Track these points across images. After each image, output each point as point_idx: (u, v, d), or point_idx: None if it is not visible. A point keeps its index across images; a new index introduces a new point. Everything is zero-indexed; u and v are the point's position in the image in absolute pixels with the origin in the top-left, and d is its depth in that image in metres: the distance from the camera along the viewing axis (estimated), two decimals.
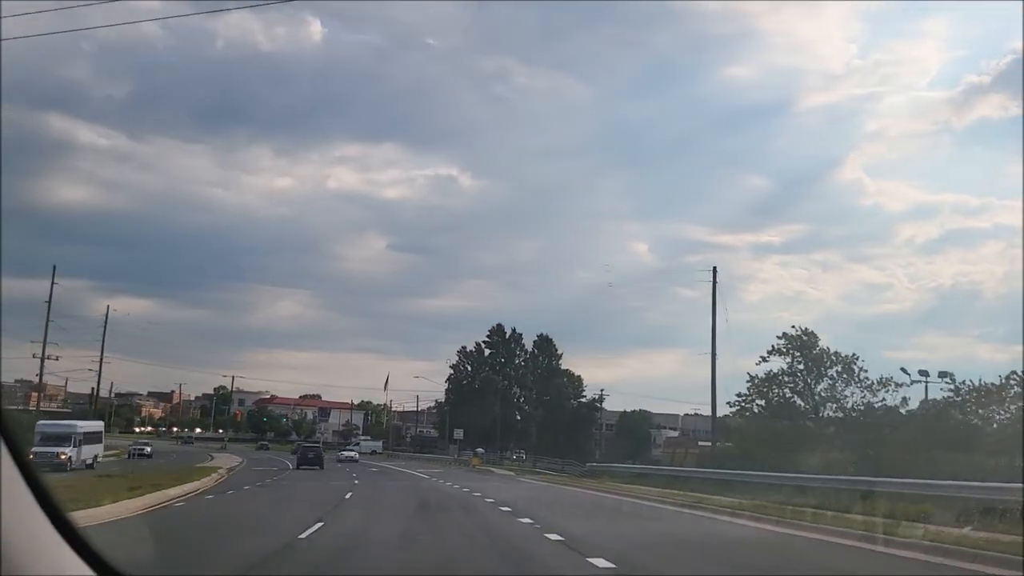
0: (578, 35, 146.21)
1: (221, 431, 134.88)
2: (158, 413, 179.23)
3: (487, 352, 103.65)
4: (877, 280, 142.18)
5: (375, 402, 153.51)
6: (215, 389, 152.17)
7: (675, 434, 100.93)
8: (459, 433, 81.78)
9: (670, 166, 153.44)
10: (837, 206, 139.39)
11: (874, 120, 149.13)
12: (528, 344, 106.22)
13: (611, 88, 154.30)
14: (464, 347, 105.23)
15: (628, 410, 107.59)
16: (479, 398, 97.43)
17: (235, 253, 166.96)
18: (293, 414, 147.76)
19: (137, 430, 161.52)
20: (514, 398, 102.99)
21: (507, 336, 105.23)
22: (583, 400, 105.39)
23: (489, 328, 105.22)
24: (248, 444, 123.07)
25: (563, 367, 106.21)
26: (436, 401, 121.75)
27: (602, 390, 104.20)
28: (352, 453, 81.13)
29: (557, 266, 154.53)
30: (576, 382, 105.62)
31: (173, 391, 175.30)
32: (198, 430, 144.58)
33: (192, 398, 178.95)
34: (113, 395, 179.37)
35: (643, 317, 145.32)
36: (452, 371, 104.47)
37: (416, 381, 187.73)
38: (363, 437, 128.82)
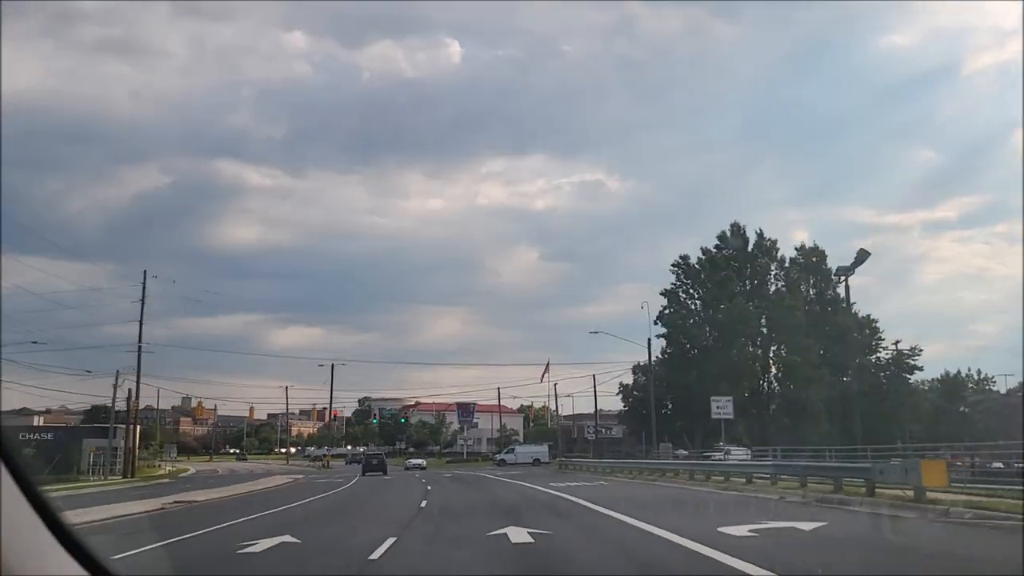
0: (720, 25, 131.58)
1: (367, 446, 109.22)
2: (309, 431, 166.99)
3: (722, 273, 54.32)
4: None
5: (536, 405, 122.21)
6: (359, 402, 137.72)
7: None
8: (724, 405, 34.01)
9: (829, 147, 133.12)
10: (1020, 172, 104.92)
11: None
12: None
13: (762, 73, 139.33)
14: (685, 258, 56.62)
15: (950, 372, 56.19)
16: (717, 351, 49.31)
17: (394, 277, 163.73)
18: (435, 420, 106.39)
19: (281, 450, 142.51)
20: (771, 349, 53.93)
21: (750, 245, 56.27)
22: (883, 355, 55.05)
23: (717, 235, 56.35)
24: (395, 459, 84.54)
25: (844, 301, 56.07)
26: (621, 384, 75.25)
27: (896, 342, 54.10)
28: (420, 461, 69.89)
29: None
30: (868, 325, 55.72)
31: (324, 408, 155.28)
32: (349, 447, 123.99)
33: (347, 415, 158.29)
34: (267, 416, 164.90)
35: None
36: (666, 302, 56.31)
37: (569, 377, 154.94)
38: (520, 444, 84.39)
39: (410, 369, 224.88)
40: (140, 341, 65.19)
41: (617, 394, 78.98)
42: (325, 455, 77.43)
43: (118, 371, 58.54)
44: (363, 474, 50.46)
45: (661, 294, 56.52)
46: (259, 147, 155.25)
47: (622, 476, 35.89)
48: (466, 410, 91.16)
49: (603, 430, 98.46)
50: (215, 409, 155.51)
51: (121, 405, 62.31)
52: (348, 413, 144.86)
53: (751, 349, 51.71)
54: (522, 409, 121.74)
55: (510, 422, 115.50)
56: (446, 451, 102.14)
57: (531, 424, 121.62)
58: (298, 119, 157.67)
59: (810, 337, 51.83)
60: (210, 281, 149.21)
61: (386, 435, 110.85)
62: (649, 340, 54.24)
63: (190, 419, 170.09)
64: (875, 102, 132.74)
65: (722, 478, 24.78)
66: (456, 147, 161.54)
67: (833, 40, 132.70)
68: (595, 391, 74.42)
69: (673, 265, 56.77)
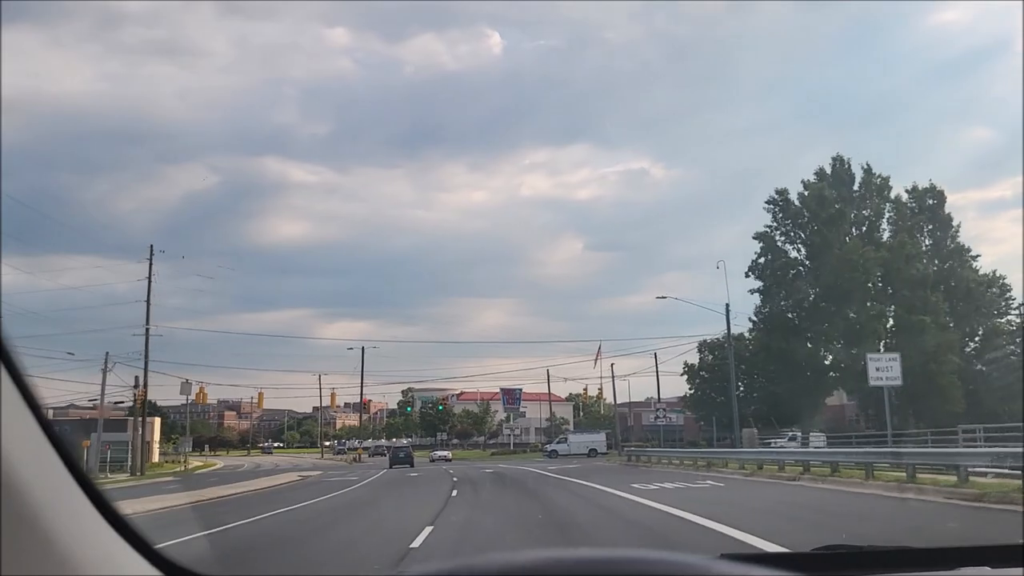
0: (764, 6, 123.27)
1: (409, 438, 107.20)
2: (353, 422, 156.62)
3: (831, 210, 42.90)
4: None
5: (590, 390, 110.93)
6: (402, 393, 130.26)
7: None
8: (887, 366, 23.36)
9: (878, 129, 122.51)
10: None
11: None
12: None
13: (811, 52, 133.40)
14: (782, 192, 45.29)
15: None
16: (828, 309, 39.09)
17: (439, 269, 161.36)
18: (478, 409, 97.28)
19: (327, 443, 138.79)
20: (888, 308, 43.11)
21: (857, 183, 45.25)
22: (1013, 318, 44.09)
23: (815, 171, 45.13)
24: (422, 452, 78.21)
25: (969, 251, 45.15)
26: (685, 365, 65.53)
27: (1021, 304, 43.35)
28: (445, 453, 66.17)
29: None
30: (995, 283, 44.73)
31: (368, 401, 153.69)
32: (394, 440, 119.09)
33: (390, 407, 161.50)
34: (312, 410, 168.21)
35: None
36: (760, 248, 45.47)
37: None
38: (573, 432, 74.91)
39: (455, 361, 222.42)
40: (147, 323, 57.87)
41: (681, 374, 68.92)
42: (357, 448, 68.94)
43: (108, 353, 50.93)
44: (391, 467, 48.66)
45: (754, 238, 45.11)
46: (304, 144, 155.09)
47: (728, 470, 25.99)
48: (511, 396, 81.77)
49: (663, 417, 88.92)
50: (253, 401, 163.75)
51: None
52: (393, 405, 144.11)
53: (871, 306, 40.84)
54: (571, 398, 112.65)
55: (559, 411, 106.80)
56: (491, 442, 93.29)
57: (581, 414, 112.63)
58: (342, 115, 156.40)
59: (936, 293, 40.85)
60: (258, 277, 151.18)
61: (427, 426, 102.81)
62: (727, 306, 44.03)
63: (235, 413, 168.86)
64: (928, 80, 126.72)
65: (954, 478, 14.30)
66: (498, 139, 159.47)
67: (885, 17, 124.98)
68: (656, 370, 64.41)
69: (768, 202, 45.19)
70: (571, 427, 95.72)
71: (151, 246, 56.51)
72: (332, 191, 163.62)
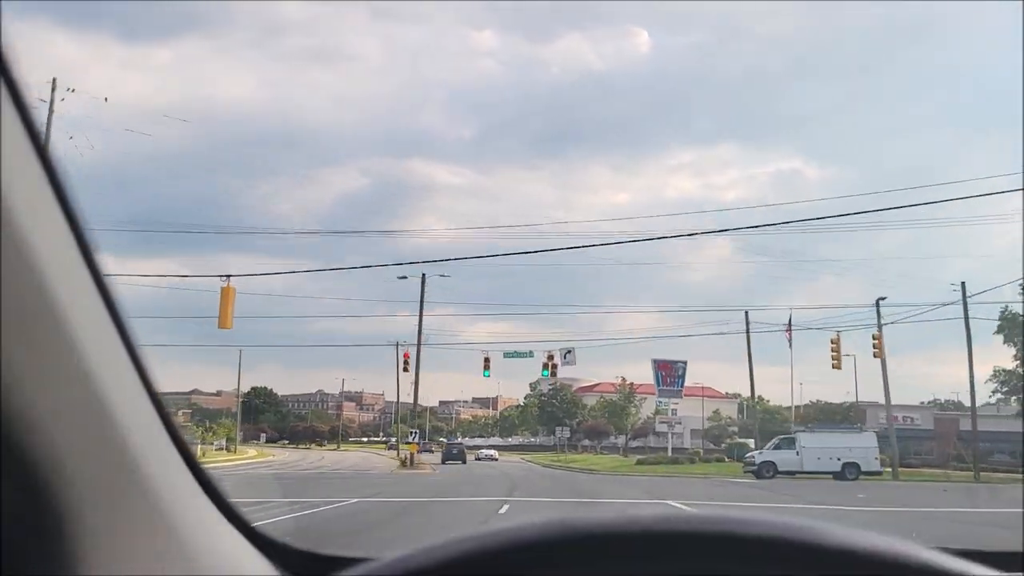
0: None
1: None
2: (472, 415, 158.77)
3: None
4: None
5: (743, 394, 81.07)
6: (530, 386, 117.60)
7: None
8: None
9: None
10: None
11: None
12: None
13: (976, 47, 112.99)
14: None
15: None
16: None
17: (580, 271, 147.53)
18: (619, 397, 68.52)
19: (441, 439, 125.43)
20: None
21: None
22: None
23: None
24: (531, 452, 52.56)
25: None
26: (1004, 312, 33.41)
27: None
28: (491, 452, 59.93)
29: (924, 257, 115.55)
30: None
31: (498, 396, 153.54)
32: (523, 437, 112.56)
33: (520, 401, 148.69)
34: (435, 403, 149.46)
35: None
36: None
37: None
38: (809, 428, 43.29)
39: (594, 364, 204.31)
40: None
41: (996, 332, 36.08)
42: (409, 443, 41.25)
43: None
44: (443, 463, 46.01)
45: None
46: (449, 146, 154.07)
47: None
48: (671, 373, 50.28)
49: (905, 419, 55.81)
50: (383, 395, 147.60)
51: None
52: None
53: None
54: (734, 395, 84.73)
55: (724, 409, 77.31)
56: (634, 444, 63.66)
57: (744, 415, 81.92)
58: (486, 116, 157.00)
59: None
60: (398, 281, 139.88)
61: (548, 418, 75.42)
62: None
63: (355, 404, 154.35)
64: None
65: None
66: (643, 139, 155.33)
67: None
68: (966, 311, 31.17)
69: None
70: (735, 429, 66.31)
71: (54, 79, 31.81)
72: (475, 193, 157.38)
